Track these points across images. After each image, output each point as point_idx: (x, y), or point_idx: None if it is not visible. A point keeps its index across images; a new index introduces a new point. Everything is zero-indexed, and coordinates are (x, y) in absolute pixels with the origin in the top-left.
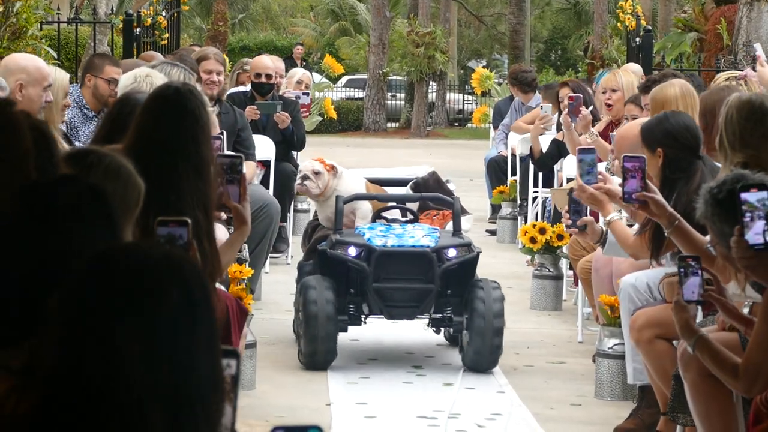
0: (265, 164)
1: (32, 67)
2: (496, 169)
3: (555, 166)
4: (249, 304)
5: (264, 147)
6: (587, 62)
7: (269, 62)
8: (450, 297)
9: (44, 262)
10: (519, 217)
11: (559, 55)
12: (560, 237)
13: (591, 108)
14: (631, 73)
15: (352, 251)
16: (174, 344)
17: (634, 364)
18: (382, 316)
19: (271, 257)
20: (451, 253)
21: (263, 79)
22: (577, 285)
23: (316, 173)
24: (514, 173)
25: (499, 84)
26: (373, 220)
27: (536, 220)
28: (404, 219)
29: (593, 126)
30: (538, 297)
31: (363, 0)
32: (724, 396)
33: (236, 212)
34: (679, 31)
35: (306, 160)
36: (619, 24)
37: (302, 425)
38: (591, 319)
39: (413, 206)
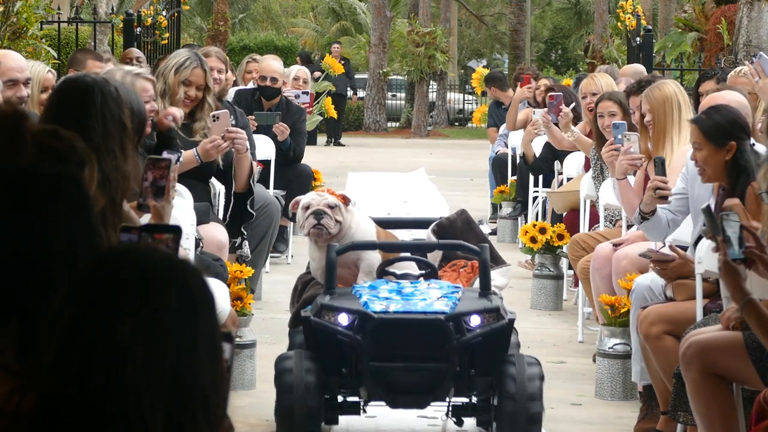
0: (264, 164)
1: None
2: (502, 167)
3: (555, 168)
4: (249, 303)
5: (264, 147)
6: (588, 62)
7: (277, 65)
8: (475, 378)
9: (20, 252)
10: (519, 217)
11: (559, 54)
12: (560, 237)
13: (573, 105)
14: (607, 75)
15: (343, 319)
16: (175, 344)
17: (642, 363)
18: (383, 404)
19: (271, 257)
20: (474, 321)
21: (268, 83)
22: (577, 285)
23: (332, 207)
24: (514, 173)
25: None
26: (379, 276)
27: (537, 219)
28: (419, 274)
29: (575, 125)
30: (539, 297)
31: None
32: (724, 395)
33: (153, 210)
34: (680, 30)
35: (308, 194)
36: (619, 24)
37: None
38: (591, 319)
39: (436, 255)
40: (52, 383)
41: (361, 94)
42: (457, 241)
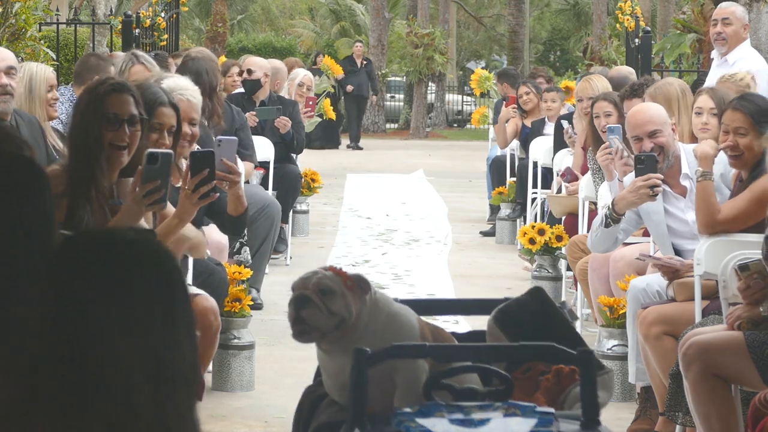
0: (264, 166)
1: None
2: (500, 169)
3: (555, 170)
4: (248, 305)
5: (263, 149)
6: (586, 63)
7: (257, 59)
8: None
9: None
10: (519, 219)
11: (558, 56)
12: (559, 238)
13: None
14: (603, 78)
15: None
16: (153, 322)
17: (637, 364)
18: None
19: (270, 258)
20: None
21: (245, 76)
22: (576, 286)
23: (325, 293)
24: (513, 174)
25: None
26: (427, 394)
27: (535, 221)
28: (487, 390)
29: (562, 121)
30: None
31: (362, 1)
32: (724, 396)
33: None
34: (678, 32)
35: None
36: (618, 25)
37: None
38: (590, 320)
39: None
40: (34, 371)
41: None
42: (547, 343)
